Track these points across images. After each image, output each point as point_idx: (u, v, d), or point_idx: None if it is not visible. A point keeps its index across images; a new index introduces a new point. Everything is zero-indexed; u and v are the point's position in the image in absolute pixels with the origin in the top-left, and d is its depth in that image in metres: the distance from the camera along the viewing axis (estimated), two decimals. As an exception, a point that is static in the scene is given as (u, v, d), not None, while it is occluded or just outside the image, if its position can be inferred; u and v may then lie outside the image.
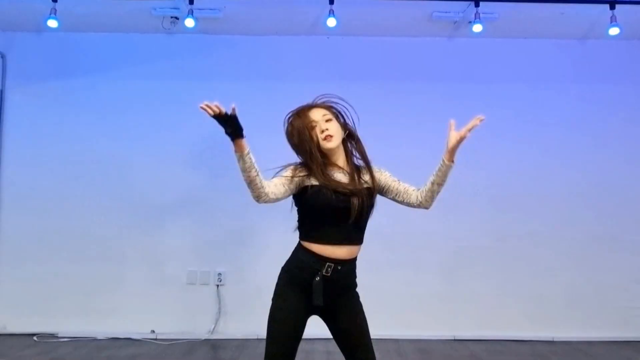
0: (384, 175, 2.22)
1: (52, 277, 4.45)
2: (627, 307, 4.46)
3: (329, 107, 2.20)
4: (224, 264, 4.51)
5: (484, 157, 4.49)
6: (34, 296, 4.44)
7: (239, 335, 4.37)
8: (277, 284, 2.14)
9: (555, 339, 4.40)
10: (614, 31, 4.11)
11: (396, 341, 4.30)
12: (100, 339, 4.31)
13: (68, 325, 4.39)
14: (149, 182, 4.54)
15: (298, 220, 2.17)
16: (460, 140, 2.09)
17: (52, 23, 4.08)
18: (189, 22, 4.15)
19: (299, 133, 2.13)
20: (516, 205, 4.53)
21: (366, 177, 2.19)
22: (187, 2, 4.09)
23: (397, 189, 2.20)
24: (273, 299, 2.12)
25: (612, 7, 4.05)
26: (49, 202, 4.51)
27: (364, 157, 2.23)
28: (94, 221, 4.50)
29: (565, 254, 4.51)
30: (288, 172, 2.11)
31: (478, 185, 4.51)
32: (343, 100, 2.24)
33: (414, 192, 2.20)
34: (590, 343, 4.32)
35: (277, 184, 2.07)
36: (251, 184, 2.00)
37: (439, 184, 2.15)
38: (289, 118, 2.20)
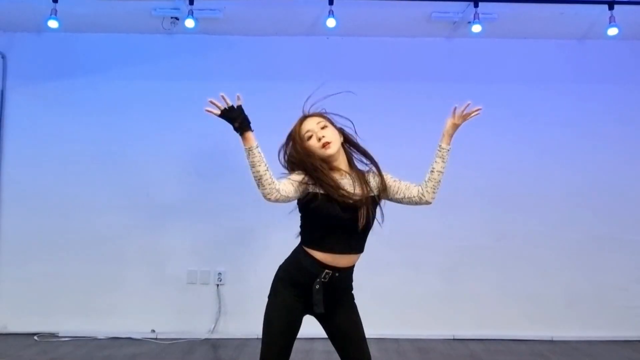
0: (386, 178, 2.22)
1: (53, 277, 4.46)
2: (627, 306, 4.47)
3: (321, 114, 2.20)
4: (224, 263, 4.52)
5: (484, 157, 4.52)
6: (35, 296, 4.45)
7: (239, 335, 4.38)
8: (274, 283, 2.15)
9: (554, 339, 4.40)
10: (612, 31, 4.12)
11: (396, 340, 4.31)
12: (100, 339, 4.32)
13: (68, 325, 4.40)
14: (149, 182, 4.54)
15: (301, 226, 2.17)
16: (456, 127, 2.20)
17: (53, 23, 4.09)
18: (189, 23, 4.16)
19: (299, 157, 2.11)
20: (516, 205, 4.54)
21: (372, 181, 2.19)
22: (187, 2, 4.10)
23: (398, 187, 2.21)
24: (269, 296, 2.13)
25: (611, 8, 4.07)
26: (50, 202, 4.52)
27: (366, 155, 2.23)
28: (94, 221, 4.51)
29: (564, 253, 4.52)
30: (298, 177, 2.08)
31: (478, 185, 4.51)
32: (331, 94, 2.24)
33: (415, 187, 2.21)
34: (589, 342, 4.33)
35: (287, 184, 2.05)
36: (261, 179, 1.97)
37: (439, 171, 2.18)
38: (286, 146, 2.19)
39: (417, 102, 4.54)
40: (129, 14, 4.30)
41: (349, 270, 2.15)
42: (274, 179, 2.00)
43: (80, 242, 4.49)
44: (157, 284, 4.49)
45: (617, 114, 4.61)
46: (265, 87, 4.47)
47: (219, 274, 4.51)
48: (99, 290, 4.46)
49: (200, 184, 4.55)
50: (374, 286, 4.20)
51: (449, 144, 2.20)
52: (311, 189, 2.07)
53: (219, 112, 2.01)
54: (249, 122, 1.99)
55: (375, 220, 2.15)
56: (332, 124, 2.20)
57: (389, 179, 2.23)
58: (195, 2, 4.11)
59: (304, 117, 2.20)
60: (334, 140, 2.14)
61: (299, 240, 2.18)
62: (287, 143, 2.20)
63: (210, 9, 4.24)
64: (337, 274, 2.08)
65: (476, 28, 4.15)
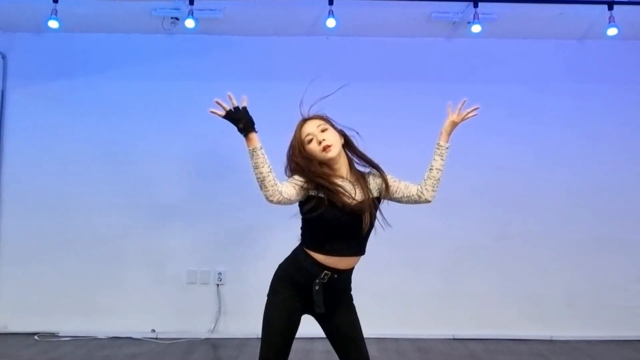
0: (387, 178, 2.22)
1: (53, 276, 4.46)
2: (626, 306, 4.47)
3: (322, 116, 2.19)
4: (224, 263, 4.52)
5: (483, 156, 4.52)
6: (35, 296, 4.46)
7: (239, 335, 4.39)
8: (273, 282, 2.16)
9: (554, 338, 4.41)
10: (612, 31, 4.12)
11: (395, 340, 4.31)
12: (100, 338, 4.32)
13: (69, 325, 4.40)
14: (150, 181, 4.55)
15: (302, 227, 2.16)
16: (455, 125, 2.21)
17: (53, 23, 4.09)
18: (189, 23, 4.16)
19: (300, 163, 2.10)
20: (515, 205, 4.54)
21: (373, 182, 2.19)
22: (188, 2, 4.11)
23: (397, 186, 2.22)
24: (268, 295, 2.14)
25: (611, 8, 4.07)
26: (50, 201, 4.53)
27: (365, 160, 2.22)
28: (94, 221, 4.51)
29: (564, 253, 4.52)
30: (300, 180, 2.08)
31: (478, 185, 4.52)
32: (328, 95, 2.25)
33: (414, 186, 2.22)
34: (588, 342, 4.33)
35: (289, 186, 2.05)
36: (264, 181, 1.97)
37: (437, 169, 2.19)
38: (289, 152, 2.18)
39: (417, 102, 4.54)
40: (129, 14, 4.30)
41: (349, 272, 2.15)
42: (276, 181, 2.00)
43: (80, 241, 4.50)
44: (157, 283, 4.49)
45: (617, 114, 4.62)
46: (265, 87, 4.46)
47: (219, 273, 4.52)
48: (99, 290, 4.47)
49: (200, 184, 4.55)
50: (374, 286, 4.21)
51: (447, 142, 2.21)
52: (313, 192, 2.07)
53: (224, 113, 2.01)
54: (254, 124, 1.99)
55: (376, 221, 2.16)
56: (333, 125, 2.19)
57: (390, 180, 2.23)
58: (195, 3, 4.11)
59: (304, 120, 2.19)
60: (335, 144, 2.13)
61: (299, 240, 2.18)
62: (290, 149, 2.18)
63: (210, 9, 4.24)
64: (335, 276, 2.09)
65: (476, 28, 4.15)
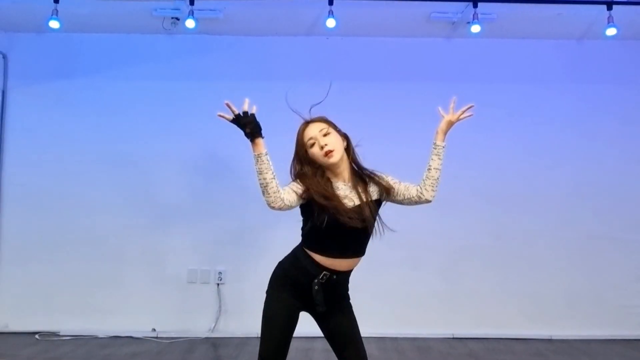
0: (387, 181, 2.22)
1: (54, 276, 4.47)
2: (625, 305, 4.48)
3: (324, 119, 2.17)
4: (224, 262, 4.53)
5: (483, 156, 4.53)
6: (36, 295, 4.47)
7: (239, 334, 4.40)
8: (272, 279, 2.17)
9: (553, 337, 4.42)
10: (611, 32, 4.13)
11: (395, 339, 4.32)
12: (101, 337, 4.33)
13: (69, 324, 4.41)
14: (150, 181, 4.56)
15: (302, 228, 2.16)
16: (451, 124, 2.23)
17: (54, 24, 4.10)
18: (190, 23, 4.17)
19: (303, 170, 2.11)
20: (515, 205, 4.55)
21: (373, 186, 2.18)
22: (188, 2, 4.11)
23: (397, 189, 2.22)
24: (267, 292, 2.15)
25: (609, 8, 4.08)
26: (50, 201, 4.54)
27: (362, 169, 2.20)
28: (94, 220, 4.52)
29: (563, 252, 4.53)
30: (300, 186, 2.08)
31: (477, 185, 4.53)
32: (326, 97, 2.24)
33: (414, 187, 2.22)
34: (588, 341, 4.34)
35: (290, 192, 2.05)
36: (267, 187, 1.98)
37: (435, 168, 2.19)
38: (293, 161, 2.18)
39: (417, 102, 4.54)
40: (130, 14, 4.31)
41: (347, 273, 2.16)
42: (279, 188, 2.00)
43: (80, 241, 4.51)
44: (157, 283, 4.50)
45: (616, 114, 4.63)
46: (265, 87, 4.43)
47: (219, 273, 4.53)
48: (99, 289, 4.48)
49: (201, 184, 4.56)
50: (374, 285, 4.21)
51: (443, 141, 2.22)
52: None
53: (232, 117, 2.02)
54: (260, 129, 1.99)
55: (377, 223, 2.16)
56: (335, 128, 2.18)
57: (390, 181, 2.23)
58: (195, 3, 4.12)
59: (306, 123, 2.18)
60: (337, 148, 2.11)
61: (299, 239, 2.19)
62: (294, 155, 2.18)
63: (211, 10, 4.25)
64: (334, 277, 2.10)
65: (475, 28, 4.16)
